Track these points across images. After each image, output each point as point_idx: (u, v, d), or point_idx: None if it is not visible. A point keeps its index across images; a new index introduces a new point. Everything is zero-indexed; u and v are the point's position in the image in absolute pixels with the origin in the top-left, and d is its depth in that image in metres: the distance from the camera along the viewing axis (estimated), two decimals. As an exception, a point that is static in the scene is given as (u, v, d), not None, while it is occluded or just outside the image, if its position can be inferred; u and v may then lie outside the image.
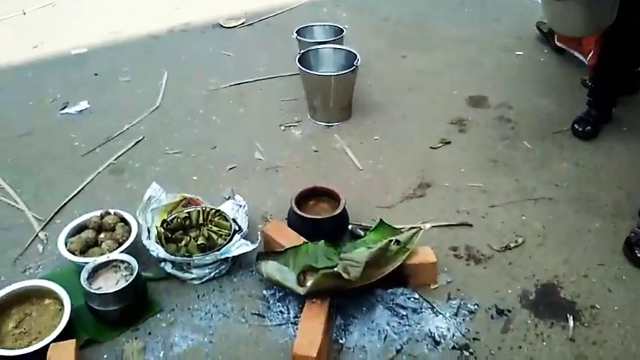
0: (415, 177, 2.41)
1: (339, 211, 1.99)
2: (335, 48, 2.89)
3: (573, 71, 3.15)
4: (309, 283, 1.77)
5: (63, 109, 2.99)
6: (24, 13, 4.36)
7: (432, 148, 2.59)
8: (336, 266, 1.76)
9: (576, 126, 2.61)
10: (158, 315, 1.82)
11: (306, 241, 1.90)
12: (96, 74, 3.35)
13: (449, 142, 2.63)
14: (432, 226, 2.12)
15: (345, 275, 1.69)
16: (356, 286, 1.74)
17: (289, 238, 1.93)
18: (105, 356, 1.70)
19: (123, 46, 3.71)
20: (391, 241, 1.80)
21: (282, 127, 2.77)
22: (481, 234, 2.10)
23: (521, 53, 3.43)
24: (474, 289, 1.87)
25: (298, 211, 1.97)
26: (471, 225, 2.14)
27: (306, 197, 2.10)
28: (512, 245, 2.04)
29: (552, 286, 1.87)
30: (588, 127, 2.59)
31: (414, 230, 1.89)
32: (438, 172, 2.44)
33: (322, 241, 1.88)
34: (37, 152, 2.65)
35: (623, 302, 1.80)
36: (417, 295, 1.83)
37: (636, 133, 2.63)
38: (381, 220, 1.99)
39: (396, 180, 2.39)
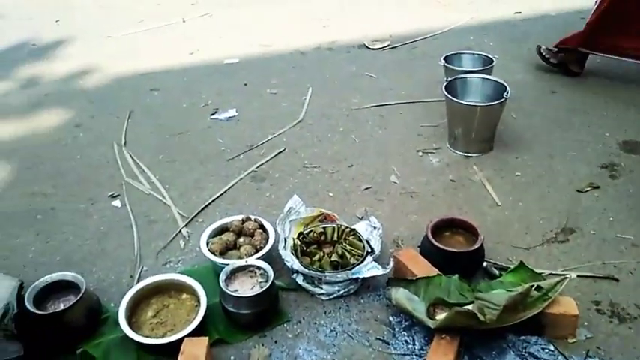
0: (558, 220, 2.27)
1: (476, 246, 1.93)
2: (483, 78, 2.83)
3: None
4: (439, 317, 1.73)
5: (213, 114, 3.17)
6: (183, 21, 4.71)
7: (578, 191, 2.44)
8: (469, 303, 1.71)
9: None
10: (285, 325, 1.86)
11: (439, 272, 1.86)
12: (245, 84, 3.52)
13: (597, 187, 2.46)
14: (577, 276, 1.99)
15: (480, 316, 1.62)
16: (488, 328, 1.67)
17: (422, 267, 1.90)
18: (232, 357, 1.76)
19: (272, 59, 3.88)
20: (532, 286, 1.71)
21: (420, 153, 2.75)
22: (628, 290, 1.94)
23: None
24: (616, 349, 1.73)
25: (434, 241, 1.93)
26: (617, 279, 1.98)
27: (443, 228, 2.05)
28: (664, 308, 1.86)
29: None
30: None
31: (558, 278, 1.78)
32: (584, 217, 2.29)
33: (456, 275, 1.83)
34: (187, 152, 2.83)
35: None
36: (552, 347, 1.72)
37: None
38: (521, 262, 1.90)
39: (537, 221, 2.28)
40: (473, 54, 3.22)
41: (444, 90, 2.68)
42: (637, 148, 2.73)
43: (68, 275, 1.88)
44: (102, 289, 2.03)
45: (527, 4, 4.70)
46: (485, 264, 2.01)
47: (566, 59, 3.44)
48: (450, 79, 2.83)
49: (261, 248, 2.01)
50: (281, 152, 2.79)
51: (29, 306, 1.77)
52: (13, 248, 2.25)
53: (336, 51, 3.98)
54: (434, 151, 2.76)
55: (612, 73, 3.46)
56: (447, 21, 4.40)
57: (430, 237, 1.96)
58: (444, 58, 3.10)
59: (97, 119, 3.20)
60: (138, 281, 2.03)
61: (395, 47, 3.97)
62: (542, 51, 3.51)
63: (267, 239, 2.06)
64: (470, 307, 1.66)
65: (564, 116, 3.03)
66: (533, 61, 3.64)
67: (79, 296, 1.79)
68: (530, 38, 4.01)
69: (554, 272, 1.95)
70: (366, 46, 3.98)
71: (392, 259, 1.97)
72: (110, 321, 1.88)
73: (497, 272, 1.97)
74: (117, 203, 2.48)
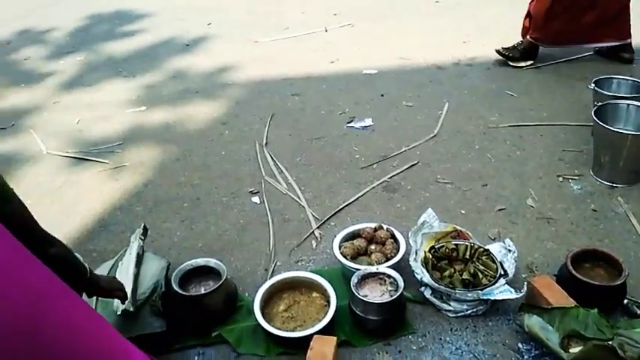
0: None
1: (619, 281, 1.83)
2: (637, 106, 2.66)
3: None
4: (573, 350, 1.66)
5: (349, 122, 3.25)
6: (326, 31, 4.85)
7: None
8: (607, 340, 1.62)
9: None
10: (410, 336, 1.87)
11: (576, 304, 1.78)
12: (382, 95, 3.57)
13: None
14: None
15: (620, 352, 1.54)
16: (627, 367, 1.58)
17: (558, 296, 1.83)
18: (355, 360, 1.81)
19: (410, 72, 3.90)
20: (682, 330, 1.60)
21: (560, 178, 2.64)
22: None
23: None
24: None
25: (574, 272, 1.86)
26: None
27: (583, 258, 1.96)
28: None
29: None
30: None
31: None
32: None
33: (596, 309, 1.74)
34: (323, 157, 2.92)
35: None
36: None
37: None
38: (669, 304, 1.78)
39: (689, 263, 2.11)
40: (626, 79, 3.03)
41: (593, 115, 2.55)
42: None
43: (211, 262, 2.02)
44: (238, 278, 2.15)
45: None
46: (626, 301, 1.89)
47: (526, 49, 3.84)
48: (599, 104, 2.69)
49: (392, 257, 2.04)
50: (414, 165, 2.80)
51: (175, 287, 1.93)
52: (162, 232, 2.45)
53: (476, 67, 3.92)
54: (576, 177, 2.64)
55: None
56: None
57: (570, 266, 1.88)
58: (595, 82, 2.95)
59: (241, 118, 3.39)
60: (271, 275, 2.14)
61: (539, 67, 3.83)
62: (503, 52, 3.87)
63: (397, 249, 2.09)
64: (610, 342, 1.58)
65: None
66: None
67: (219, 282, 1.92)
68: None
69: None
70: (508, 64, 3.88)
71: (525, 284, 1.92)
72: (244, 309, 1.99)
73: (638, 311, 1.86)
74: (256, 199, 2.62)
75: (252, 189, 2.69)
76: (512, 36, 3.95)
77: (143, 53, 4.62)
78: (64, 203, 2.70)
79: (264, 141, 3.10)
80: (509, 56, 3.87)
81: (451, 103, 3.39)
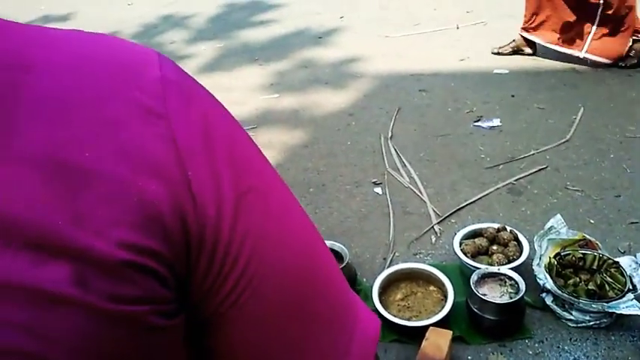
0: None
1: None
2: None
3: None
4: None
5: (477, 121, 3.22)
6: (457, 28, 4.79)
7: None
8: None
9: None
10: (527, 341, 1.86)
11: None
12: (512, 96, 3.49)
13: None
14: None
15: None
16: None
17: (692, 319, 1.74)
18: (469, 357, 1.82)
19: (543, 74, 3.77)
20: None
21: (703, 196, 2.47)
22: None
23: None
24: None
25: None
26: None
27: None
28: None
29: None
30: None
31: None
32: None
33: None
34: (447, 154, 2.93)
35: None
36: None
37: None
38: None
39: None
40: None
41: None
42: None
43: (336, 245, 2.12)
44: (357, 264, 2.23)
45: None
46: None
47: (518, 45, 4.02)
48: None
49: (514, 259, 2.03)
50: (542, 169, 2.74)
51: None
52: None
53: (615, 72, 3.72)
54: None
55: None
56: None
57: None
58: None
59: (367, 111, 3.47)
60: (389, 265, 2.20)
61: (688, 75, 3.57)
62: (493, 51, 4.07)
63: (520, 252, 2.07)
64: None
65: None
66: None
67: (341, 265, 2.01)
68: None
69: None
70: (653, 71, 3.64)
71: (656, 302, 1.83)
72: (361, 294, 2.06)
73: None
74: (378, 190, 2.69)
75: (375, 180, 2.76)
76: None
77: (277, 42, 4.84)
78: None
79: (389, 134, 3.16)
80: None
81: (586, 109, 3.25)
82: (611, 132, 3.02)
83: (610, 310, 1.81)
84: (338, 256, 2.09)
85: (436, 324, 1.84)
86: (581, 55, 3.72)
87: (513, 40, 4.04)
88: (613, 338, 1.84)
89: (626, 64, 3.69)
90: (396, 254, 2.29)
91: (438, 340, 1.75)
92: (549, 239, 2.03)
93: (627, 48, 3.65)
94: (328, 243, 2.12)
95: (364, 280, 2.16)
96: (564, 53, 3.80)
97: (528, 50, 4.01)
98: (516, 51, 4.04)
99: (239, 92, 3.87)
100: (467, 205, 2.53)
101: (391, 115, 3.37)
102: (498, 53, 4.07)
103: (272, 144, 3.17)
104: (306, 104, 3.61)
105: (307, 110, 3.54)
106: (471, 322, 1.91)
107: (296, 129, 3.32)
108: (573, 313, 1.87)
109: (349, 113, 3.46)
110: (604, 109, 3.27)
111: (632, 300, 1.83)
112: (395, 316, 1.91)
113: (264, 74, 4.16)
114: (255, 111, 3.58)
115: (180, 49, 4.86)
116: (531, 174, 2.70)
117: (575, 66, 3.83)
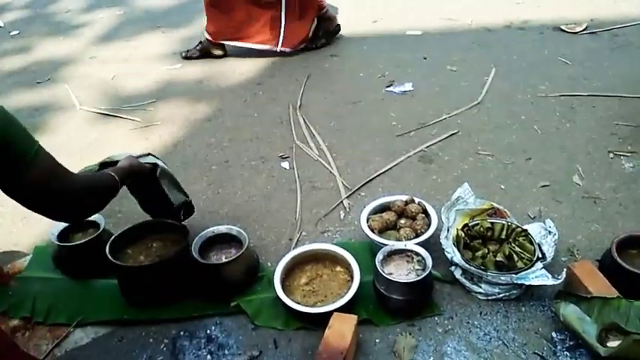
0: None
1: (670, 273, 1.67)
2: None
3: None
4: (610, 344, 1.54)
5: (388, 86, 3.10)
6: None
7: None
8: (651, 336, 1.49)
9: None
10: (436, 318, 1.77)
11: (618, 295, 1.64)
12: (425, 58, 3.40)
13: None
14: None
15: (665, 351, 1.41)
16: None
17: (599, 285, 1.69)
18: (377, 340, 1.72)
19: (456, 34, 3.70)
20: None
21: (611, 155, 2.45)
22: None
23: None
24: None
25: (619, 259, 1.71)
26: None
27: (630, 245, 1.81)
28: None
29: None
30: None
31: None
32: None
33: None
34: (358, 123, 2.80)
35: None
36: None
37: None
38: None
39: None
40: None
41: (653, 87, 2.35)
42: None
43: (234, 230, 1.96)
44: (261, 247, 2.09)
45: None
46: (674, 294, 1.74)
47: (205, 48, 3.61)
48: (661, 75, 2.48)
49: (422, 233, 1.93)
50: (454, 134, 2.65)
51: (195, 254, 1.87)
52: (189, 194, 2.39)
53: (528, 31, 3.68)
54: (628, 154, 2.45)
55: None
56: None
57: (614, 253, 1.73)
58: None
59: (276, 79, 3.29)
60: (296, 245, 2.06)
61: (595, 32, 3.57)
62: (183, 55, 3.65)
63: (429, 225, 1.97)
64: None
65: None
66: None
67: (240, 251, 1.85)
68: None
69: None
70: (562, 29, 3.63)
71: (565, 270, 1.78)
72: (265, 280, 1.92)
73: (689, 306, 1.71)
74: (285, 165, 2.53)
75: (282, 154, 2.61)
76: (572, 1, 3.68)
77: (182, 8, 4.54)
78: (93, 160, 2.66)
79: (299, 103, 2.99)
80: None
81: (498, 69, 3.20)
82: (522, 92, 2.97)
83: (519, 282, 1.74)
84: (237, 241, 1.93)
85: (342, 308, 1.72)
86: (278, 49, 3.54)
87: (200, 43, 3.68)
88: (524, 309, 1.78)
89: (316, 45, 3.61)
90: (303, 234, 2.15)
91: (342, 327, 1.63)
92: (457, 210, 1.94)
93: (312, 29, 3.56)
94: (225, 228, 1.96)
95: (268, 264, 2.01)
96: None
97: (219, 52, 3.66)
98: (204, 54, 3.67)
99: (139, 63, 3.60)
100: (376, 176, 2.42)
101: (301, 82, 3.20)
102: (187, 58, 3.66)
103: (172, 118, 2.94)
104: (210, 74, 3.39)
105: (212, 81, 3.32)
106: (378, 302, 1.80)
107: (199, 102, 3.10)
108: (482, 286, 1.79)
109: (257, 82, 3.26)
110: (516, 69, 3.22)
111: (540, 269, 1.77)
112: (299, 303, 1.78)
113: (166, 42, 3.89)
114: (156, 83, 3.33)
115: (74, 18, 4.48)
116: (442, 140, 2.62)
117: (487, 25, 3.77)
